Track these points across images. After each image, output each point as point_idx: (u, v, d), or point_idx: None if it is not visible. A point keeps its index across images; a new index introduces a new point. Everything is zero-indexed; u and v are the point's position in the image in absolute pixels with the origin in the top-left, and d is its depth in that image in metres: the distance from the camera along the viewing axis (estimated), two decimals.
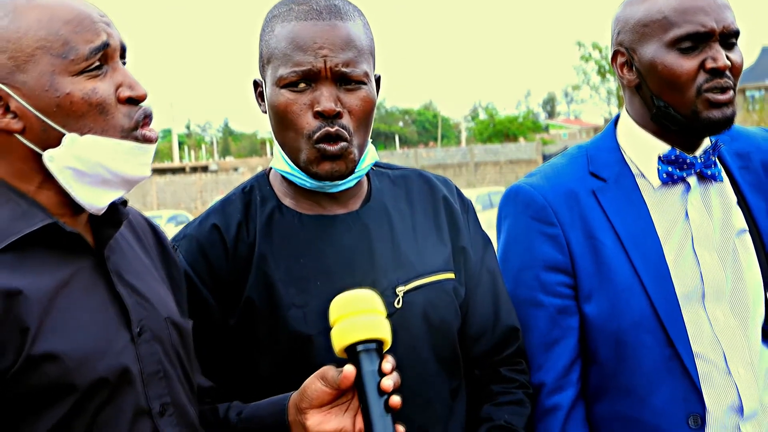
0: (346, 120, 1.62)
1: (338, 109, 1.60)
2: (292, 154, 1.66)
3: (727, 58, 1.76)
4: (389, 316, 1.50)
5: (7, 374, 1.21)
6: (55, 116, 1.30)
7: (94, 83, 1.33)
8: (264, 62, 1.67)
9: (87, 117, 1.32)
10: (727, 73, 1.77)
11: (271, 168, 1.79)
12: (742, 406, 1.79)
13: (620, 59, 1.87)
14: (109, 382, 1.29)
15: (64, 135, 1.31)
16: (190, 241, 1.70)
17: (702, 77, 1.76)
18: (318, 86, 1.60)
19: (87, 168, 1.33)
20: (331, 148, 1.61)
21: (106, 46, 1.34)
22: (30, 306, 1.24)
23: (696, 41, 1.76)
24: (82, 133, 1.32)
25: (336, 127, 1.60)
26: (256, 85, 1.73)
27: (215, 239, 1.69)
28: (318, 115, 1.60)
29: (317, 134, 1.60)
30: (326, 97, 1.59)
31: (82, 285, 1.34)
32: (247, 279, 1.66)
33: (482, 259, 1.80)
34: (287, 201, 1.73)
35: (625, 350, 1.79)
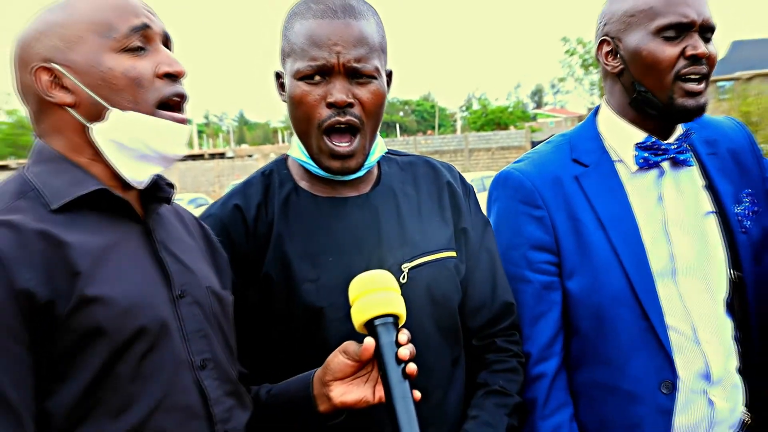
0: (357, 110, 1.61)
1: (349, 100, 1.59)
2: (305, 142, 1.66)
3: None
4: None
5: (61, 314, 1.24)
6: (101, 90, 1.34)
7: (134, 61, 1.36)
8: (284, 56, 1.66)
9: (125, 91, 1.35)
10: (704, 61, 1.78)
11: (288, 154, 1.79)
12: (709, 373, 1.80)
13: (605, 48, 1.87)
14: (150, 333, 1.31)
15: (107, 110, 1.35)
16: (214, 220, 1.70)
17: (681, 63, 1.77)
18: (332, 80, 1.60)
19: (128, 142, 1.36)
20: (340, 148, 1.62)
21: (145, 26, 1.38)
22: (81, 256, 1.28)
23: (678, 31, 1.77)
24: (122, 108, 1.35)
25: (347, 117, 1.60)
26: (278, 76, 1.72)
27: (237, 218, 1.69)
28: (330, 105, 1.60)
29: (326, 123, 1.60)
30: (338, 90, 1.59)
31: (130, 248, 1.37)
32: (266, 255, 1.66)
33: (482, 240, 1.80)
34: (303, 184, 1.73)
35: (604, 323, 1.80)
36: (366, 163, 1.68)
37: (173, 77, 1.39)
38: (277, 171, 1.76)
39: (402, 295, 1.51)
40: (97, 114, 1.35)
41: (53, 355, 1.25)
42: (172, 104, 1.39)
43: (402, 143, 38.76)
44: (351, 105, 1.60)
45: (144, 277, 1.36)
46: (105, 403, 1.27)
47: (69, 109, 1.36)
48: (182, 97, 1.41)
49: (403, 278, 1.65)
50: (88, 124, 1.36)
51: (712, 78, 1.86)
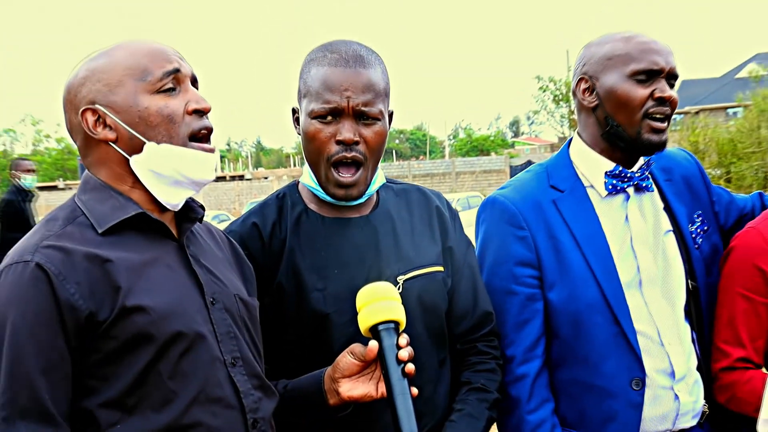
0: (362, 147, 1.62)
1: (356, 139, 1.60)
2: (315, 172, 1.67)
3: None
4: None
5: (103, 324, 1.25)
6: (138, 127, 1.35)
7: (167, 101, 1.37)
8: (301, 95, 1.67)
9: (160, 126, 1.36)
10: (668, 103, 1.79)
11: (299, 180, 1.79)
12: (673, 371, 1.80)
13: (583, 85, 1.87)
14: (186, 336, 1.32)
15: (145, 143, 1.35)
16: (234, 235, 1.70)
17: (650, 103, 1.78)
18: (341, 120, 1.60)
19: (163, 170, 1.37)
20: (345, 179, 1.62)
21: (176, 71, 1.38)
22: (123, 272, 1.29)
23: (649, 76, 1.78)
24: (157, 141, 1.36)
25: (353, 153, 1.61)
26: (294, 111, 1.73)
27: (254, 234, 1.70)
28: (339, 142, 1.61)
29: (334, 157, 1.61)
30: (347, 129, 1.60)
31: (166, 263, 1.38)
32: (279, 267, 1.66)
33: (464, 257, 1.80)
34: (312, 206, 1.73)
35: (581, 328, 1.79)
36: (367, 191, 1.69)
37: (201, 113, 1.40)
38: (290, 195, 1.77)
39: None
40: (135, 147, 1.36)
41: (95, 360, 1.26)
42: (200, 136, 1.40)
43: (398, 167, 38.85)
44: (357, 143, 1.61)
45: (180, 287, 1.37)
46: (149, 397, 1.28)
47: (111, 144, 1.37)
48: (209, 130, 1.42)
49: (399, 288, 1.65)
50: (128, 156, 1.37)
51: None
